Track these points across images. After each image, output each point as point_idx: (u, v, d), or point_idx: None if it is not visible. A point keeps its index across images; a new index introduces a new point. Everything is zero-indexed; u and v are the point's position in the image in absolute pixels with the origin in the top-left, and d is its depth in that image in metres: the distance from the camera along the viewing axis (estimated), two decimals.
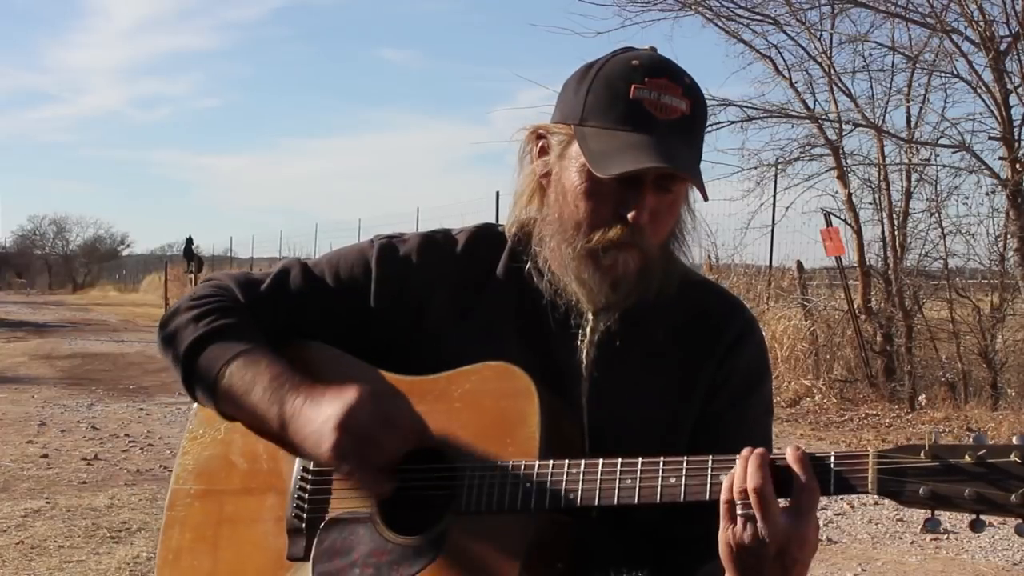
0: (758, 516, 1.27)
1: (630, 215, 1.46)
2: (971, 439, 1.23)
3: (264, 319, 1.64)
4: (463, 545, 1.42)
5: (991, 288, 9.96)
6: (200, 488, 1.65)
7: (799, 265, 11.24)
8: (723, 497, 1.30)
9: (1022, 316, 9.73)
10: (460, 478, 1.44)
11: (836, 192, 10.62)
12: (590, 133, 1.47)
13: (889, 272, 10.15)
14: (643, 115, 1.45)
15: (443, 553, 1.43)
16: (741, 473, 1.30)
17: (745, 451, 1.32)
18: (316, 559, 1.52)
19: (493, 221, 1.72)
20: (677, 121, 1.46)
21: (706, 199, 1.50)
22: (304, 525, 1.54)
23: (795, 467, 1.28)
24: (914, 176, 10.16)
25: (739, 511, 1.29)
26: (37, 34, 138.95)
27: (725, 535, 1.30)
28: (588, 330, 1.55)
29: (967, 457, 1.21)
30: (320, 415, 1.45)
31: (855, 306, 10.34)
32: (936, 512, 1.24)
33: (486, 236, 1.66)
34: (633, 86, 1.46)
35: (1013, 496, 1.18)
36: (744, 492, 1.28)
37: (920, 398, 9.46)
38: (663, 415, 1.55)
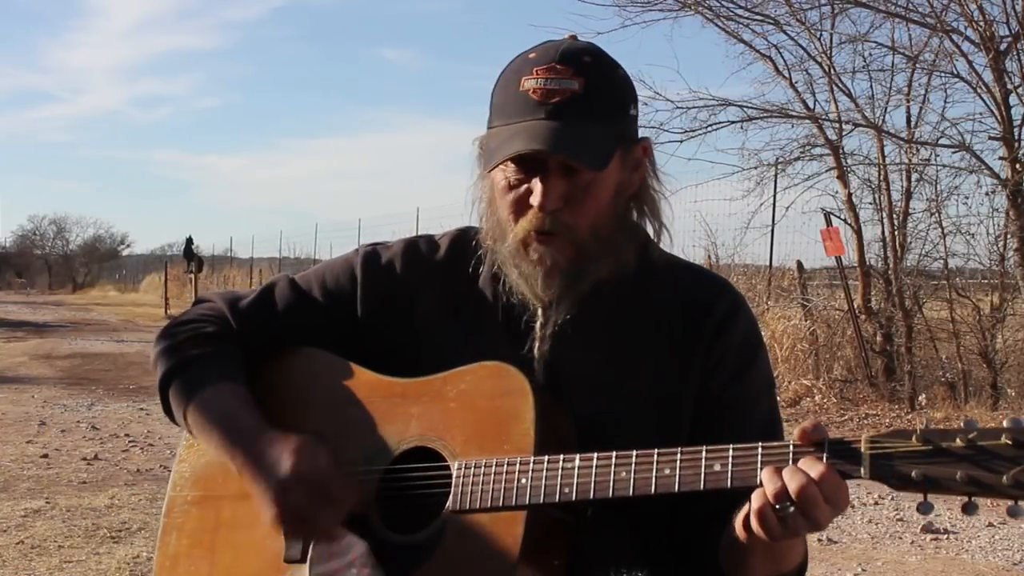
0: (805, 515, 1.27)
1: (534, 200, 1.47)
2: (962, 423, 1.23)
3: (251, 338, 1.66)
4: (460, 543, 1.43)
5: (991, 288, 9.96)
6: (197, 494, 1.66)
7: (799, 265, 11.24)
8: (755, 506, 1.29)
9: (1022, 316, 9.73)
10: (456, 476, 1.45)
11: (836, 192, 10.63)
12: (491, 134, 1.52)
13: (889, 272, 10.15)
14: (528, 104, 1.47)
15: (440, 551, 1.43)
16: (772, 476, 1.28)
17: (756, 448, 1.31)
18: (313, 561, 1.52)
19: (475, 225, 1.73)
20: (567, 101, 1.46)
21: (597, 169, 1.47)
22: None
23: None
24: (914, 176, 10.17)
25: (780, 514, 1.28)
26: (37, 34, 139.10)
27: (761, 530, 1.30)
28: (538, 326, 1.56)
29: (958, 440, 1.21)
30: (261, 481, 1.49)
31: (855, 306, 10.34)
32: (929, 495, 1.24)
33: (468, 238, 1.67)
34: (523, 79, 1.48)
35: (1004, 478, 1.18)
36: (781, 494, 1.27)
37: (920, 398, 9.46)
38: (653, 402, 1.54)
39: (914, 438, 1.24)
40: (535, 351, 1.56)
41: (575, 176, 1.48)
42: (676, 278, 1.61)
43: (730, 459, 1.32)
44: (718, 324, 1.57)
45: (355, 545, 1.50)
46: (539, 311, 1.56)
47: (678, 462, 1.34)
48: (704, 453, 1.34)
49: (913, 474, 1.22)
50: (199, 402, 1.57)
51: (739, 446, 1.32)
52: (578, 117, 1.47)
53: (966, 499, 1.22)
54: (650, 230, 1.62)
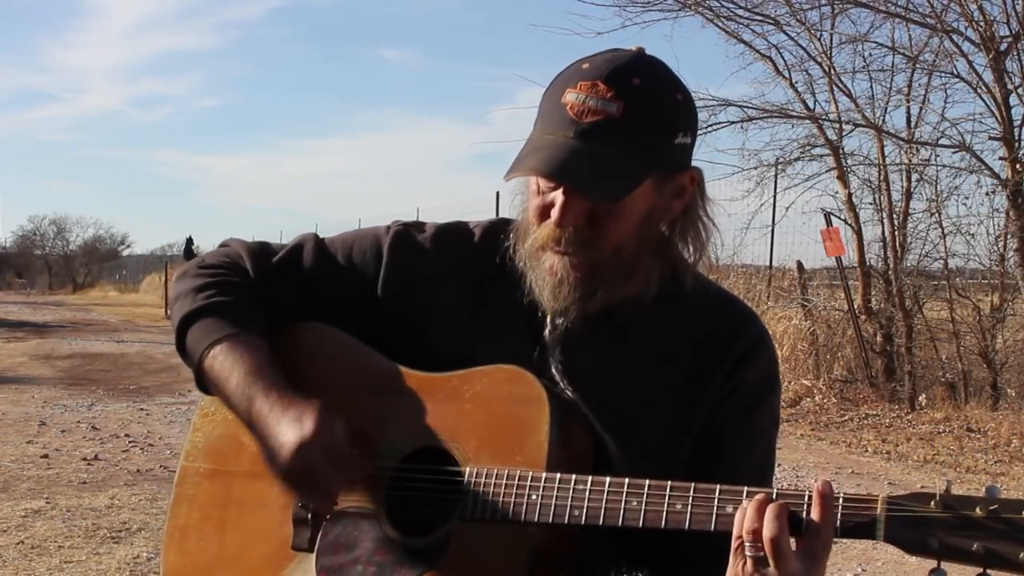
0: (771, 562, 1.25)
1: (552, 215, 1.46)
2: (984, 491, 1.21)
3: (271, 295, 1.64)
4: (466, 551, 1.42)
5: (991, 288, 9.96)
6: (209, 467, 1.66)
7: (799, 265, 11.24)
8: (734, 533, 1.28)
9: (1022, 316, 9.73)
10: (467, 483, 1.44)
11: (836, 192, 10.63)
12: (529, 138, 1.49)
13: (889, 272, 10.15)
14: (562, 119, 1.43)
15: (445, 557, 1.43)
16: (753, 514, 1.27)
17: (760, 495, 1.29)
18: (320, 552, 1.52)
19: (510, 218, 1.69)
20: (599, 124, 1.41)
21: (601, 201, 1.43)
22: (310, 516, 1.54)
23: (815, 507, 1.26)
24: (914, 176, 10.17)
25: (749, 552, 1.26)
26: (37, 34, 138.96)
27: (734, 570, 1.29)
28: (546, 332, 1.55)
29: (978, 510, 1.19)
30: (278, 435, 1.48)
31: (855, 306, 10.34)
32: (943, 563, 1.22)
33: (503, 230, 1.64)
34: (567, 90, 1.44)
35: (1022, 554, 1.16)
36: (756, 534, 1.26)
37: (920, 398, 9.46)
38: (659, 426, 1.52)
39: (933, 503, 1.21)
40: (547, 356, 1.54)
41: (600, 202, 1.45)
42: (703, 305, 1.57)
43: (744, 503, 1.30)
44: (737, 359, 1.54)
45: (362, 540, 1.50)
46: (547, 318, 1.54)
47: (690, 499, 1.32)
48: (718, 493, 1.31)
49: (929, 541, 1.20)
50: (222, 348, 1.55)
51: (753, 489, 1.30)
52: (606, 143, 1.42)
53: (980, 570, 1.19)
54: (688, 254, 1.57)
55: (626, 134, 1.42)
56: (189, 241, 26.80)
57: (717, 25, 10.72)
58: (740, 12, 10.60)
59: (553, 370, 1.54)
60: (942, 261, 9.87)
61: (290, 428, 1.46)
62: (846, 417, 9.22)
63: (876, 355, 10.14)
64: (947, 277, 9.82)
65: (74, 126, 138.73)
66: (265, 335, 1.59)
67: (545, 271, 1.49)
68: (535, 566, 1.39)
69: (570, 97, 1.43)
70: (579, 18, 19.29)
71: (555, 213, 1.45)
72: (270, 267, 1.66)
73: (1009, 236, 9.25)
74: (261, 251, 1.69)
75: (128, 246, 67.11)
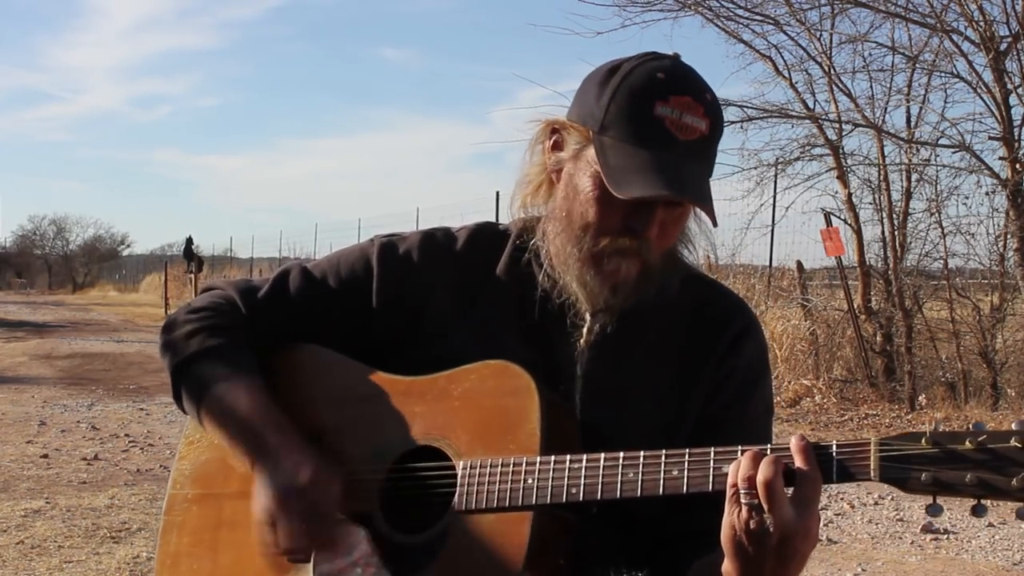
0: (765, 506, 1.27)
1: (641, 229, 1.46)
2: (971, 426, 1.24)
3: (263, 326, 1.65)
4: (466, 543, 1.42)
5: (991, 288, 9.96)
6: (197, 492, 1.65)
7: (799, 265, 11.24)
8: (729, 482, 1.30)
9: (1022, 316, 9.73)
10: (461, 476, 1.44)
11: (836, 192, 10.64)
12: (609, 145, 1.46)
13: (889, 272, 10.15)
14: (664, 135, 1.44)
15: (445, 551, 1.43)
16: (748, 464, 1.29)
17: (754, 448, 1.31)
18: (317, 560, 1.51)
19: (494, 220, 1.72)
20: (696, 142, 1.45)
21: (715, 225, 1.50)
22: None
23: (798, 457, 1.29)
24: (914, 176, 10.17)
25: (744, 499, 1.28)
26: (37, 34, 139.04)
27: (730, 519, 1.30)
28: (585, 331, 1.56)
29: (968, 443, 1.22)
30: (271, 476, 1.49)
31: (855, 306, 10.34)
32: (938, 498, 1.25)
33: (487, 234, 1.67)
34: (657, 103, 1.44)
35: (1014, 481, 1.19)
36: (751, 480, 1.28)
37: (920, 398, 9.46)
38: (661, 413, 1.55)
39: (924, 441, 1.24)
40: (578, 355, 1.56)
41: (674, 208, 1.49)
42: (694, 292, 1.61)
43: (739, 462, 1.31)
44: (729, 344, 1.57)
45: (360, 544, 1.50)
46: (587, 316, 1.56)
47: (686, 463, 1.34)
48: (713, 454, 1.33)
49: (923, 477, 1.23)
50: (214, 394, 1.56)
51: (748, 448, 1.32)
52: (700, 160, 1.47)
53: (975, 502, 1.23)
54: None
55: (710, 150, 1.49)
56: (189, 241, 26.76)
57: (717, 25, 10.73)
58: (740, 12, 10.61)
59: (578, 368, 1.56)
60: (942, 261, 9.88)
61: (283, 474, 1.48)
62: (846, 417, 9.22)
63: (876, 355, 10.14)
64: (947, 277, 9.82)
65: (74, 126, 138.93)
66: (256, 371, 1.60)
67: (604, 274, 1.50)
68: (534, 552, 1.40)
69: (664, 111, 1.44)
70: (579, 18, 19.28)
71: (652, 229, 1.47)
72: (259, 299, 1.66)
73: (1009, 236, 9.25)
74: (247, 286, 1.70)
75: (128, 246, 67.13)
